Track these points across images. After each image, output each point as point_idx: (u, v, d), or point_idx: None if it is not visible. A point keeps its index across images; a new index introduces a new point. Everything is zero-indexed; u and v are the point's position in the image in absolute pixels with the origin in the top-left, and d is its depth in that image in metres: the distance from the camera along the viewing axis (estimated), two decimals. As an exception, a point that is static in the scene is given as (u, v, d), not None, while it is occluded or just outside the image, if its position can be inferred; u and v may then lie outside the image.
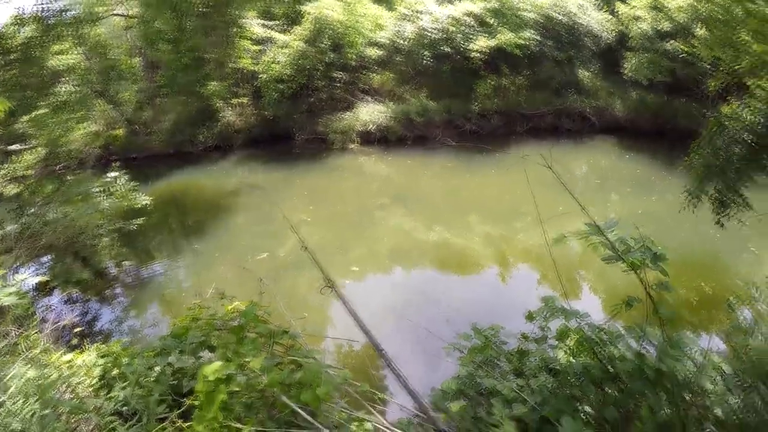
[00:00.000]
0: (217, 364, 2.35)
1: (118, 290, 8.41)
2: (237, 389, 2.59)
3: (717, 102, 14.80)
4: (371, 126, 16.42)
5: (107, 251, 8.32)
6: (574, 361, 2.85)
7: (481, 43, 15.88)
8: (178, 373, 3.36)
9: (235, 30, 14.41)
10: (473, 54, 15.94)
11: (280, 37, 16.56)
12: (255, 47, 16.21)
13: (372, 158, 15.78)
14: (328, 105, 17.19)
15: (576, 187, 12.11)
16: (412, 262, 9.05)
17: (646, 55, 15.27)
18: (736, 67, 5.59)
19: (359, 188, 13.52)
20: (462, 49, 16.18)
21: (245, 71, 16.68)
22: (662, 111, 16.76)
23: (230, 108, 16.97)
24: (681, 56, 14.32)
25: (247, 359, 2.72)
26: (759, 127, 5.03)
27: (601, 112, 17.52)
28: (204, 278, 8.02)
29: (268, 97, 16.18)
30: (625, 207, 11.10)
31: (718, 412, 2.55)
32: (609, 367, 2.73)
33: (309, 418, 2.40)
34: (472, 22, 16.39)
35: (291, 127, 16.90)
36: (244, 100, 17.01)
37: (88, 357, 3.71)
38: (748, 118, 5.18)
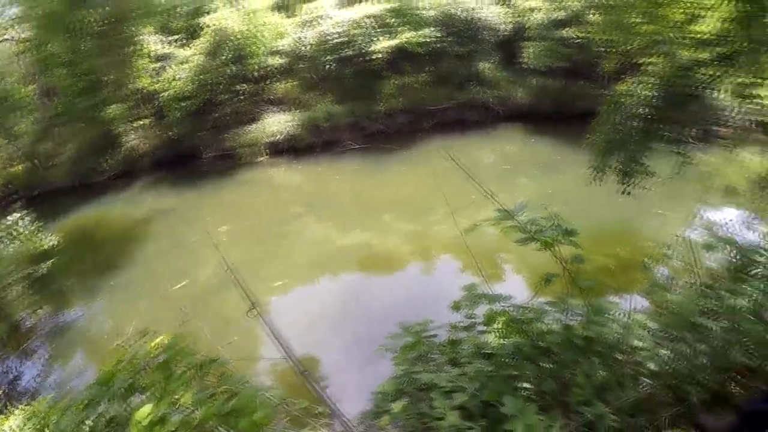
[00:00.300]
0: (148, 407, 2.15)
1: (37, 342, 7.77)
2: (173, 429, 2.38)
3: (612, 82, 15.91)
4: (279, 136, 16.12)
5: (19, 301, 7.72)
6: (505, 342, 2.86)
7: (383, 44, 16.03)
8: (112, 423, 3.08)
9: (132, 48, 13.68)
10: (376, 55, 16.05)
11: (180, 53, 15.91)
12: (154, 65, 15.49)
13: (282, 169, 15.56)
14: (234, 119, 16.63)
15: (486, 174, 12.48)
16: (335, 268, 8.95)
17: (543, 43, 16.10)
18: (629, 48, 5.96)
19: (272, 200, 13.27)
20: (364, 51, 16.24)
21: (145, 91, 15.85)
22: (562, 95, 17.75)
23: (133, 131, 16.02)
24: (576, 42, 15.23)
25: (176, 396, 2.49)
26: (654, 101, 5.38)
27: (504, 101, 18.20)
28: (124, 315, 7.54)
29: (171, 116, 15.42)
30: (535, 189, 11.61)
31: (651, 365, 2.65)
32: (539, 342, 2.75)
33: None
34: (372, 24, 16.50)
35: (197, 145, 16.19)
36: (147, 121, 16.13)
37: (14, 421, 3.34)
38: (643, 93, 5.53)
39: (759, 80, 4.89)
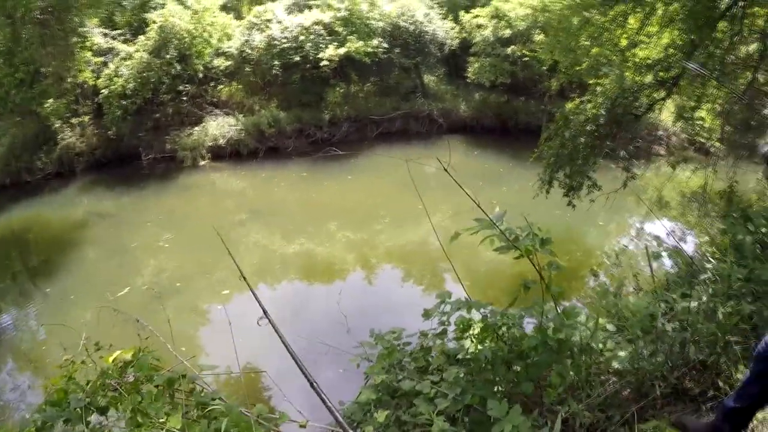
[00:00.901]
0: None
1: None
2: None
3: (553, 99, 16.77)
4: (221, 140, 15.77)
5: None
6: (482, 347, 2.95)
7: (331, 52, 16.01)
8: None
9: (75, 40, 12.92)
10: (323, 62, 16.01)
11: (124, 48, 15.20)
12: (97, 59, 14.73)
13: (225, 173, 15.27)
14: (176, 120, 16.10)
15: (431, 184, 12.77)
16: (278, 276, 8.84)
17: (488, 59, 16.64)
18: (577, 68, 6.34)
19: (214, 206, 13.00)
20: (312, 57, 16.18)
21: (86, 86, 15.02)
22: (504, 110, 18.46)
23: (70, 128, 15.04)
24: (521, 60, 15.88)
25: (160, 419, 2.36)
26: (600, 120, 5.74)
27: (448, 114, 18.72)
28: (62, 325, 7.01)
29: (111, 114, 14.66)
30: (481, 200, 11.96)
31: (615, 364, 2.83)
32: (514, 346, 2.86)
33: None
34: (321, 31, 16.48)
35: (137, 146, 15.53)
36: (86, 118, 15.22)
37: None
38: (591, 112, 5.89)
39: (697, 104, 5.36)
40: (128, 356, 3.09)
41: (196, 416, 2.67)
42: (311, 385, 2.11)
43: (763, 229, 3.83)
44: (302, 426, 2.97)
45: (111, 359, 3.32)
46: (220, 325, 7.39)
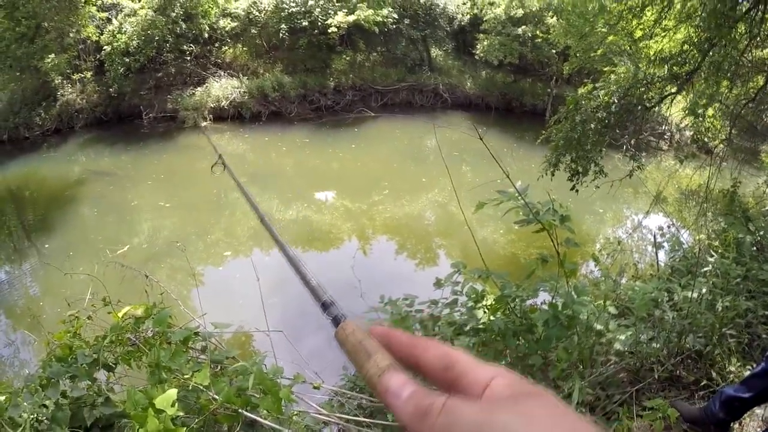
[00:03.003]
0: (172, 391, 1.98)
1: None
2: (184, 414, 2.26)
3: (560, 84, 16.71)
4: (224, 102, 15.63)
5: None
6: (494, 318, 3.03)
7: (340, 18, 15.79)
8: (74, 404, 2.85)
9: None
10: (331, 29, 15.79)
11: (128, 4, 14.83)
12: (101, 14, 14.37)
13: (226, 135, 15.14)
14: (178, 80, 15.94)
15: (433, 158, 12.80)
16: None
17: (497, 38, 16.48)
18: (592, 54, 6.33)
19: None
20: (320, 23, 15.95)
21: (89, 42, 14.68)
22: (510, 90, 18.40)
23: (71, 85, 14.76)
24: (532, 41, 15.74)
25: (185, 375, 2.37)
26: (612, 107, 5.78)
27: (453, 89, 18.66)
28: (60, 282, 6.99)
29: (113, 71, 14.41)
30: (484, 178, 12.03)
31: (617, 346, 2.95)
32: (524, 319, 2.95)
33: (277, 427, 2.23)
34: (332, -4, 16.24)
35: (138, 104, 15.37)
36: (87, 75, 14.90)
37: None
38: (603, 99, 5.91)
39: (709, 102, 5.40)
40: (139, 312, 3.10)
41: (213, 374, 2.71)
42: (261, 219, 2.08)
43: (762, 232, 3.96)
44: (316, 387, 3.06)
45: (121, 315, 3.33)
46: (221, 284, 7.48)
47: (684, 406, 2.62)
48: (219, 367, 2.92)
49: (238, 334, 5.96)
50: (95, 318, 3.45)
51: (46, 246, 8.51)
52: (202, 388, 2.27)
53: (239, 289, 6.81)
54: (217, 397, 2.30)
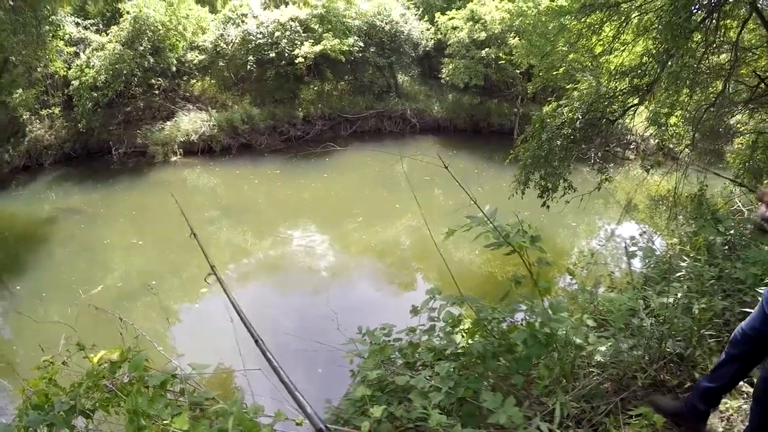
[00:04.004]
0: None
1: None
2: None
3: (526, 103, 17.11)
4: (194, 136, 15.60)
5: None
6: (472, 342, 3.03)
7: (307, 49, 16.00)
8: None
9: (47, 28, 12.47)
10: (298, 59, 15.98)
11: (96, 39, 14.84)
12: (69, 49, 14.29)
13: (197, 170, 15.05)
14: (147, 114, 15.88)
15: (399, 185, 12.91)
16: (249, 276, 8.78)
17: (462, 61, 16.87)
18: (554, 73, 6.52)
19: (186, 203, 12.74)
20: (287, 54, 16.14)
21: (57, 77, 14.57)
22: (477, 111, 18.76)
23: (39, 120, 14.55)
24: (496, 62, 16.13)
25: (164, 420, 2.30)
26: (577, 123, 5.94)
27: (421, 114, 18.97)
28: (33, 326, 6.76)
29: (81, 106, 14.29)
30: (457, 201, 12.15)
31: (598, 357, 2.98)
32: (503, 340, 2.96)
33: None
34: (297, 27, 16.45)
35: (108, 140, 15.24)
36: (56, 110, 14.75)
37: None
38: (568, 115, 6.08)
39: (670, 110, 5.61)
40: (114, 356, 3.01)
41: (192, 417, 2.64)
42: (256, 342, 2.08)
43: (732, 231, 4.07)
44: (298, 424, 2.99)
45: (96, 359, 3.22)
46: (197, 322, 7.33)
47: (663, 400, 2.67)
48: (198, 410, 2.84)
49: (219, 372, 5.84)
50: (70, 363, 3.32)
51: (17, 287, 8.24)
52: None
53: (217, 325, 6.65)
54: (197, 441, 2.23)
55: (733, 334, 2.45)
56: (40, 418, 2.78)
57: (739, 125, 8.47)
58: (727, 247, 4.08)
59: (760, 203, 2.35)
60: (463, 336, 3.14)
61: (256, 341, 2.13)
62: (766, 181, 6.13)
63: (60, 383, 3.13)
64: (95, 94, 14.27)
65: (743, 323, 2.42)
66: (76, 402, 2.92)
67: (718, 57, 6.37)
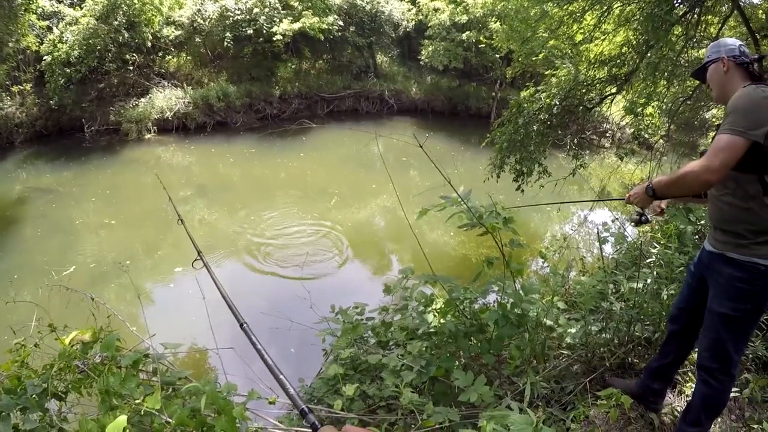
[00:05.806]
0: (122, 419, 1.93)
1: None
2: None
3: (504, 87, 17.14)
4: (168, 113, 15.31)
5: None
6: (444, 321, 3.07)
7: (285, 26, 15.73)
8: None
9: (20, 1, 11.95)
10: (276, 37, 15.69)
11: (70, 12, 14.24)
12: (41, 23, 13.72)
13: (171, 148, 14.79)
14: (121, 91, 15.47)
15: (375, 166, 12.89)
16: (225, 255, 8.70)
17: (442, 43, 16.79)
18: (534, 58, 6.54)
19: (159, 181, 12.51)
20: (265, 31, 15.83)
21: (28, 52, 13.98)
22: (455, 94, 18.74)
23: (10, 97, 13.97)
24: (476, 46, 16.09)
25: (137, 400, 2.30)
26: (554, 109, 5.99)
27: (399, 95, 18.90)
28: (3, 308, 6.60)
29: (53, 82, 13.77)
30: (434, 182, 12.19)
31: (568, 339, 3.06)
32: (475, 320, 3.01)
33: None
34: (276, 4, 16.11)
35: (80, 117, 14.76)
36: (27, 87, 14.17)
37: None
38: (545, 101, 6.12)
39: (647, 101, 5.69)
40: (86, 336, 2.98)
41: (165, 396, 2.63)
42: (241, 326, 2.08)
43: (702, 221, 4.19)
44: (271, 402, 3.01)
45: (68, 340, 3.18)
46: (171, 303, 7.25)
47: (621, 382, 2.77)
48: (171, 389, 2.84)
49: (192, 352, 5.80)
50: (42, 345, 3.28)
51: (-15, 269, 8.02)
52: (154, 412, 2.21)
53: (190, 306, 6.60)
54: (170, 420, 2.24)
55: (669, 312, 2.59)
56: (13, 402, 2.74)
57: (714, 119, 8.64)
58: (697, 236, 4.20)
59: (631, 206, 2.46)
60: (435, 315, 3.18)
61: (241, 325, 2.13)
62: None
63: (32, 366, 3.12)
64: (68, 70, 13.79)
65: (675, 300, 2.57)
66: (48, 384, 2.88)
67: (698, 52, 6.46)
